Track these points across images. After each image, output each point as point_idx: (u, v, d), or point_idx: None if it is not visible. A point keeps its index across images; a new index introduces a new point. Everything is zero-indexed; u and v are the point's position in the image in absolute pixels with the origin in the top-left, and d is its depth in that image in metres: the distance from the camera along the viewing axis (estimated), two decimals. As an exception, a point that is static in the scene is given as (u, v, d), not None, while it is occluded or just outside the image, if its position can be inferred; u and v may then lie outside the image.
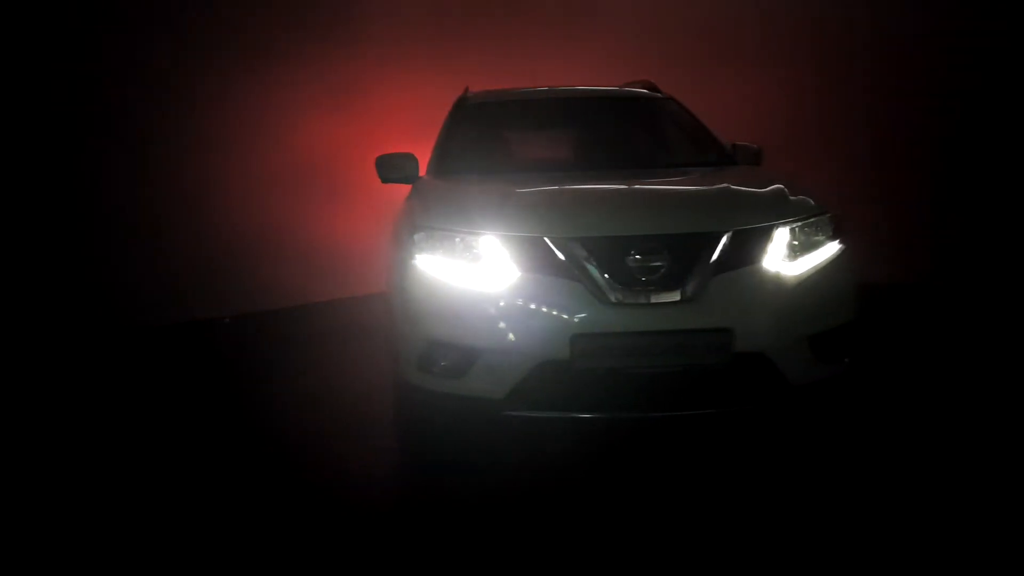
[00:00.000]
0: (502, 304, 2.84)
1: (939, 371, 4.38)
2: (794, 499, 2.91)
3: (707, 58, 6.98)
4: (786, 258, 2.95)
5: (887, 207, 6.59)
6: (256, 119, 6.35)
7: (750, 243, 2.91)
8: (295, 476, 3.23)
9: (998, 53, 6.52)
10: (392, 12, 7.03)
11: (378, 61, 6.88)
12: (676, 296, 2.80)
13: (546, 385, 2.83)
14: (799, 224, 3.02)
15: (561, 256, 2.85)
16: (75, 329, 5.49)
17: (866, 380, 3.95)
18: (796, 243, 3.00)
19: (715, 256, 2.84)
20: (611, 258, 2.82)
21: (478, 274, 2.92)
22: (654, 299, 2.80)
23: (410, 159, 3.91)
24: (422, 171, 3.99)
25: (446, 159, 4.07)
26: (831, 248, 3.07)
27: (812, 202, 3.16)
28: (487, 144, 4.39)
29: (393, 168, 3.90)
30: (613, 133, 4.52)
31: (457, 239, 2.99)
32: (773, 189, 3.24)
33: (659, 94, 4.64)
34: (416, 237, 3.08)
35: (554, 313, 2.80)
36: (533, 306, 2.82)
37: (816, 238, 3.06)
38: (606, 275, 2.80)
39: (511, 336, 2.81)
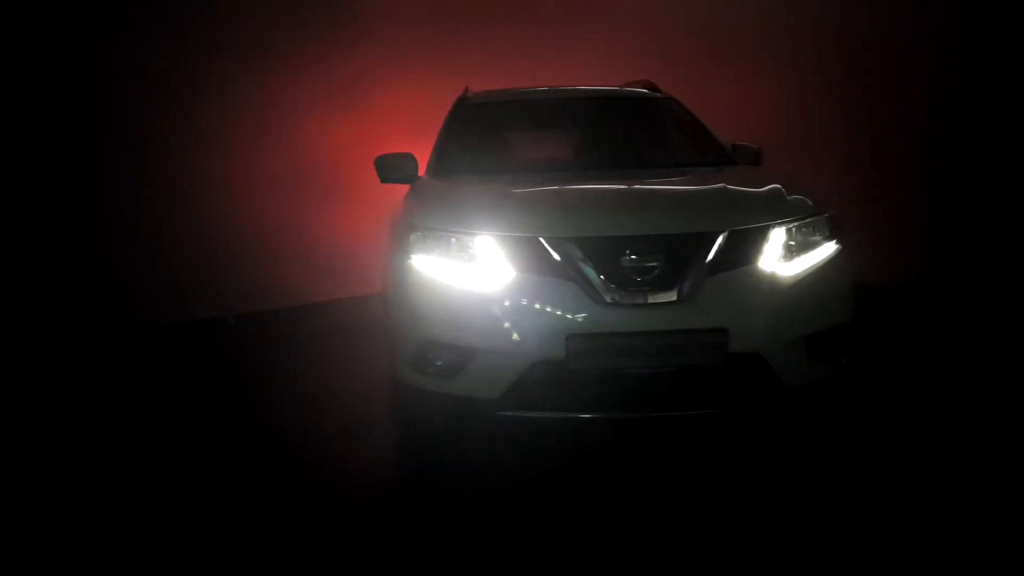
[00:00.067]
0: (497, 304, 2.85)
1: (937, 372, 4.38)
2: (789, 501, 2.91)
3: (707, 58, 6.98)
4: (782, 258, 2.95)
5: (887, 207, 6.59)
6: (256, 119, 6.35)
7: (746, 243, 2.91)
8: (295, 476, 3.24)
9: (998, 53, 6.52)
10: (392, 12, 7.03)
11: (378, 61, 6.89)
12: (671, 296, 2.81)
13: (541, 385, 2.84)
14: (795, 224, 3.03)
15: (556, 256, 2.85)
16: (75, 329, 5.51)
17: (863, 381, 3.96)
18: (792, 243, 3.00)
19: (711, 256, 2.84)
20: (606, 258, 2.82)
21: (473, 274, 2.93)
22: (649, 299, 2.81)
23: (409, 159, 3.91)
24: (421, 171, 4.00)
25: (445, 159, 4.07)
26: (828, 248, 3.07)
27: (809, 202, 3.16)
28: (486, 144, 4.39)
29: (392, 168, 3.90)
30: (613, 133, 4.52)
31: (453, 239, 3.00)
32: (770, 189, 3.23)
33: (659, 94, 4.65)
34: (412, 237, 3.09)
35: (549, 313, 2.81)
36: (528, 306, 2.83)
37: (813, 238, 3.06)
38: (601, 275, 2.81)
39: (506, 336, 2.82)
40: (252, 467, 3.35)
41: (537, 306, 2.82)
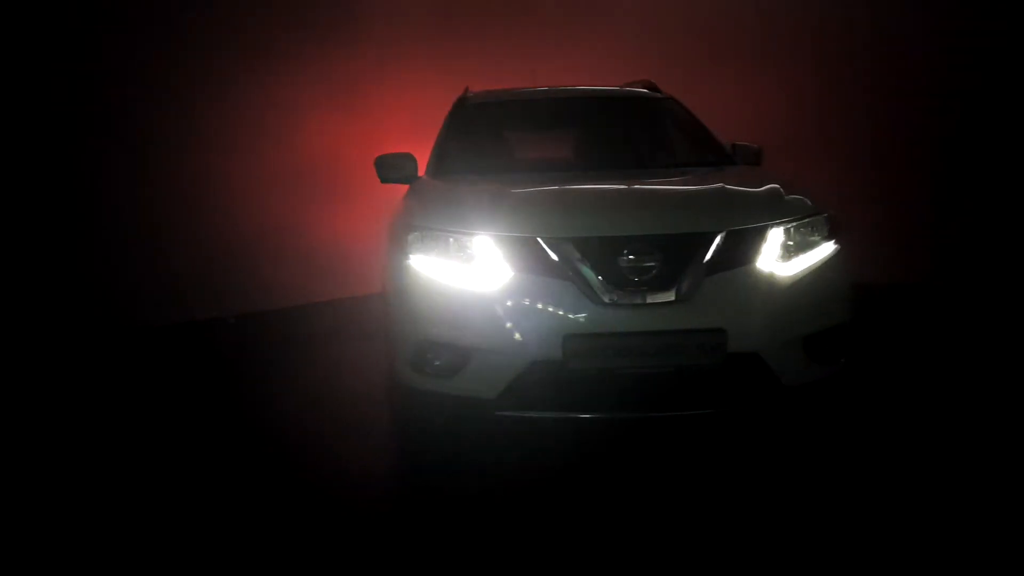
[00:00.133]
0: (496, 304, 2.85)
1: (937, 372, 4.38)
2: (787, 500, 2.91)
3: (707, 58, 6.98)
4: (780, 258, 2.95)
5: (887, 207, 6.59)
6: (256, 119, 6.35)
7: (744, 243, 2.91)
8: (295, 476, 3.24)
9: (998, 53, 6.51)
10: (392, 12, 7.04)
11: (378, 61, 6.89)
12: (669, 296, 2.81)
13: (538, 385, 2.85)
14: (794, 224, 3.03)
15: (554, 256, 2.86)
16: (75, 329, 5.51)
17: (861, 381, 3.96)
18: (791, 243, 3.00)
19: (709, 256, 2.84)
20: (604, 258, 2.83)
21: (472, 274, 2.93)
22: (647, 299, 2.81)
23: (409, 159, 3.91)
24: (421, 171, 4.00)
25: (445, 159, 4.08)
26: (826, 248, 3.07)
27: (808, 202, 3.16)
28: (486, 144, 4.39)
29: (392, 168, 3.91)
30: (613, 133, 4.52)
31: (451, 239, 3.00)
32: (768, 189, 3.23)
33: (659, 94, 4.65)
34: (410, 237, 3.09)
35: (548, 313, 2.81)
36: (526, 306, 2.83)
37: (811, 238, 3.06)
38: (599, 275, 2.81)
39: (505, 336, 2.82)
40: (252, 467, 3.35)
41: (536, 306, 2.82)
